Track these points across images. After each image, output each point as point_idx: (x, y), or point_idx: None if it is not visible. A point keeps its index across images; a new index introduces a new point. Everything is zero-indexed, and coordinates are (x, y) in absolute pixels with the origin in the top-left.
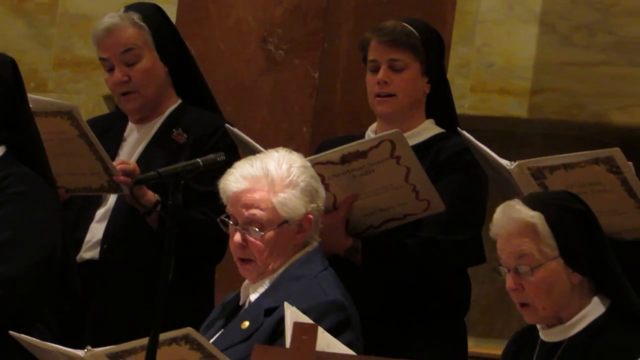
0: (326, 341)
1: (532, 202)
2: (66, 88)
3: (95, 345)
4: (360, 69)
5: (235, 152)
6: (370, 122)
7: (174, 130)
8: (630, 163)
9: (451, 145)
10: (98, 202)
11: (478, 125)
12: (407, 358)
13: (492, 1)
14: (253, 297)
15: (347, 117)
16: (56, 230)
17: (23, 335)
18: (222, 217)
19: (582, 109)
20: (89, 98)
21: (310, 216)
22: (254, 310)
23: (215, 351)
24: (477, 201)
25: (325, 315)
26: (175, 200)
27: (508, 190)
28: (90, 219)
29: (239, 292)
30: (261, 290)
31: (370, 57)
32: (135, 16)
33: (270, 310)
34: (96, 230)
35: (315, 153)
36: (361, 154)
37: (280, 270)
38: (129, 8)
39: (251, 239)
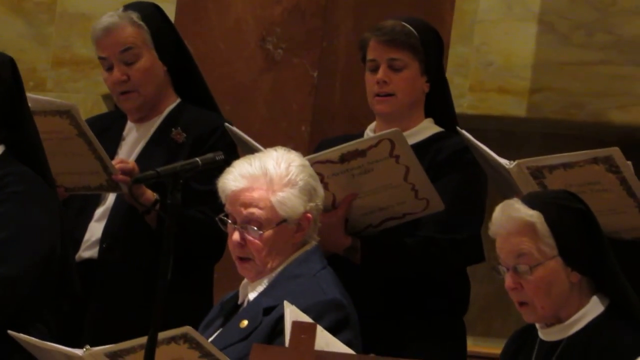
0: (325, 340)
1: (531, 201)
2: (65, 87)
3: (94, 344)
4: (359, 68)
5: (234, 151)
6: (369, 122)
7: (173, 129)
8: (629, 162)
9: (450, 144)
10: (97, 201)
11: (477, 125)
12: (406, 357)
13: (491, 0)
14: (252, 296)
15: (346, 116)
16: (55, 230)
17: (22, 335)
18: (221, 216)
19: (581, 108)
20: (88, 97)
21: (309, 215)
22: (252, 309)
23: (214, 350)
24: (476, 200)
25: (324, 314)
26: (174, 199)
27: (507, 189)
28: (89, 218)
29: (238, 291)
30: (260, 289)
31: (370, 56)
32: (134, 15)
33: (268, 309)
34: (95, 229)
35: (314, 152)
36: (360, 153)
37: (279, 269)
38: (127, 7)
39: (250, 237)
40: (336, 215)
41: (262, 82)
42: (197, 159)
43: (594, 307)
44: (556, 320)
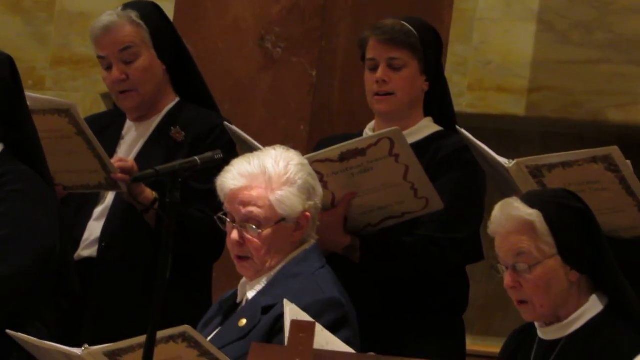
0: (325, 338)
1: (530, 200)
2: (64, 86)
3: (93, 343)
4: (358, 67)
5: (233, 150)
6: (368, 120)
7: (172, 128)
8: (628, 161)
9: (450, 143)
10: (96, 200)
11: (475, 123)
12: (405, 356)
13: None
14: (250, 294)
15: (345, 115)
16: (54, 228)
17: (20, 334)
18: (220, 214)
19: (580, 107)
20: (87, 96)
21: (308, 214)
22: (251, 308)
23: (213, 349)
24: (475, 199)
25: (323, 312)
26: (173, 198)
27: (506, 188)
28: (88, 216)
29: (237, 290)
30: (258, 288)
31: (369, 55)
32: (133, 14)
33: (267, 308)
34: (94, 228)
35: (314, 151)
36: (360, 152)
37: (278, 268)
38: (126, 6)
39: (248, 236)
40: (335, 214)
41: (260, 81)
42: (196, 157)
43: (593, 306)
44: (555, 319)
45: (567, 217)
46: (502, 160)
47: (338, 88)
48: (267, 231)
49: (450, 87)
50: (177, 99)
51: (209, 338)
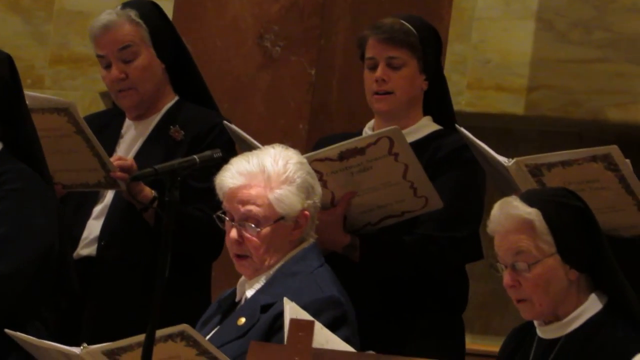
0: (325, 337)
1: (529, 198)
2: (63, 85)
3: (92, 342)
4: (357, 66)
5: (232, 149)
6: (367, 119)
7: (171, 127)
8: (627, 160)
9: (449, 142)
10: (95, 199)
11: (474, 122)
12: (404, 354)
13: None
14: (249, 293)
15: (344, 114)
16: (53, 227)
17: (19, 334)
18: (218, 213)
19: (579, 106)
20: (86, 95)
21: (307, 212)
22: (250, 307)
23: (211, 348)
24: (475, 198)
25: (322, 311)
26: (171, 196)
27: (506, 186)
28: (87, 215)
29: (235, 289)
30: (257, 286)
31: (368, 54)
32: (132, 13)
33: (266, 306)
34: (93, 227)
35: (313, 150)
36: (359, 151)
37: (277, 267)
38: (126, 5)
39: (247, 235)
40: (335, 213)
41: (259, 80)
42: (195, 156)
43: (592, 305)
44: (554, 317)
45: (566, 216)
46: (502, 159)
47: (337, 87)
48: (266, 230)
49: (449, 86)
50: (176, 98)
51: (207, 337)
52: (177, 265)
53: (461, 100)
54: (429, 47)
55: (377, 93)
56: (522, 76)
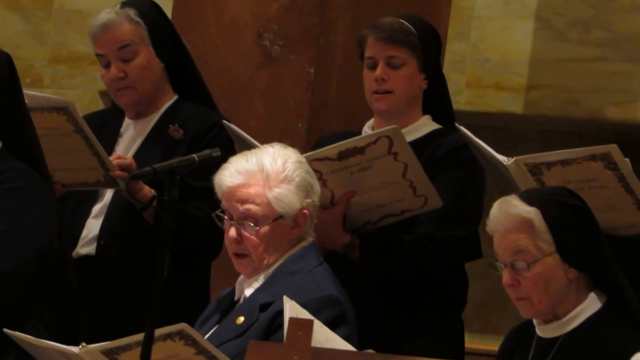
0: (325, 335)
1: (528, 197)
2: (62, 84)
3: (91, 341)
4: (356, 65)
5: (231, 148)
6: (366, 118)
7: (171, 126)
8: (627, 159)
9: (449, 141)
10: (94, 198)
11: (473, 121)
12: (404, 354)
13: None
14: (248, 292)
15: (343, 113)
16: (52, 226)
17: (17, 333)
18: (217, 212)
19: (578, 105)
20: (85, 93)
21: (305, 211)
22: (249, 306)
23: (210, 347)
24: (474, 197)
25: (321, 310)
26: (171, 195)
27: (505, 186)
28: (86, 214)
29: (234, 288)
30: (256, 285)
31: (368, 54)
32: (132, 12)
33: (265, 305)
34: (92, 226)
35: (312, 149)
36: (359, 150)
37: (275, 266)
38: (125, 4)
39: (246, 233)
40: (334, 213)
41: (258, 79)
42: (194, 155)
43: (592, 304)
44: (554, 316)
45: (565, 215)
46: (501, 157)
47: (336, 86)
48: (264, 228)
49: (448, 85)
50: (176, 97)
51: (206, 336)
52: (176, 264)
53: (460, 99)
54: (428, 46)
55: (376, 92)
56: (521, 75)
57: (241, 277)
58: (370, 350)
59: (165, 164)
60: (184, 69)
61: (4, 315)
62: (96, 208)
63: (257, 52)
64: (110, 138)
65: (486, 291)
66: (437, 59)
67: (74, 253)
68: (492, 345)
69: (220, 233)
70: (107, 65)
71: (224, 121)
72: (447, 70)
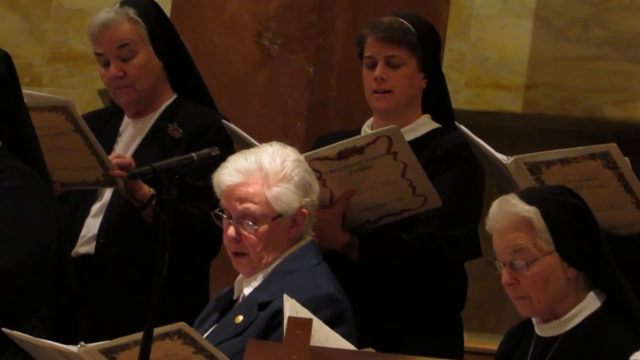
0: (325, 334)
1: (528, 196)
2: (61, 82)
3: (90, 340)
4: (355, 64)
5: (230, 147)
6: (365, 117)
7: (170, 125)
8: (626, 158)
9: (448, 140)
10: (93, 197)
11: (472, 120)
12: (403, 353)
13: None
14: (247, 291)
15: (342, 112)
16: (51, 225)
17: (16, 332)
18: (216, 211)
19: (577, 104)
20: (84, 92)
21: (304, 210)
22: (247, 305)
23: (209, 346)
24: (474, 196)
25: (319, 308)
26: (170, 194)
27: (505, 184)
28: (85, 213)
29: (233, 287)
30: (255, 284)
31: (367, 53)
32: (131, 11)
33: (264, 304)
34: (92, 225)
35: (312, 149)
36: (358, 150)
37: (274, 265)
38: (124, 3)
39: (245, 232)
40: (334, 212)
41: (257, 78)
42: (193, 154)
43: (591, 303)
44: (553, 315)
45: (564, 213)
46: (501, 156)
47: (335, 85)
48: (263, 227)
49: (447, 83)
50: (175, 96)
51: (205, 335)
52: (175, 263)
53: (459, 98)
54: (427, 45)
55: (376, 92)
56: (520, 74)
57: (240, 276)
58: (369, 349)
59: (164, 163)
60: (183, 68)
61: (2, 314)
62: (95, 207)
63: (256, 51)
64: (109, 137)
65: (485, 290)
66: (437, 58)
67: (73, 252)
68: (491, 344)
69: (219, 232)
70: (106, 64)
71: (223, 120)
72: (446, 69)
